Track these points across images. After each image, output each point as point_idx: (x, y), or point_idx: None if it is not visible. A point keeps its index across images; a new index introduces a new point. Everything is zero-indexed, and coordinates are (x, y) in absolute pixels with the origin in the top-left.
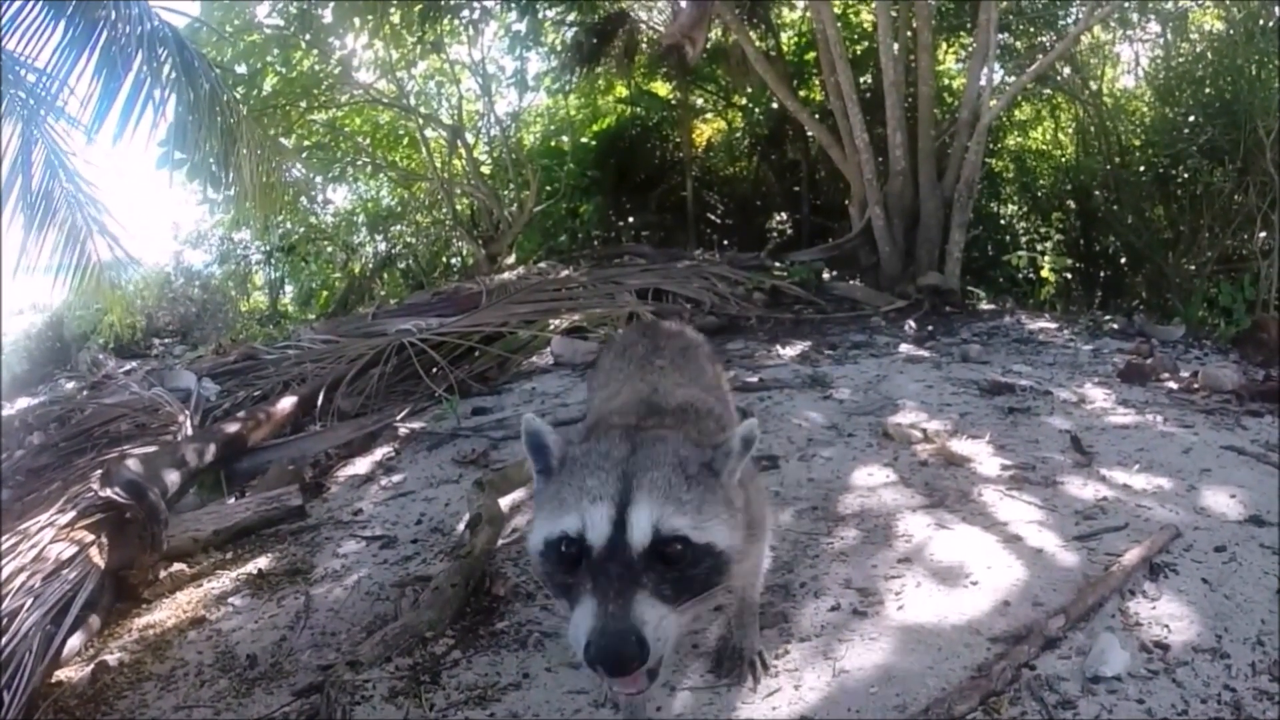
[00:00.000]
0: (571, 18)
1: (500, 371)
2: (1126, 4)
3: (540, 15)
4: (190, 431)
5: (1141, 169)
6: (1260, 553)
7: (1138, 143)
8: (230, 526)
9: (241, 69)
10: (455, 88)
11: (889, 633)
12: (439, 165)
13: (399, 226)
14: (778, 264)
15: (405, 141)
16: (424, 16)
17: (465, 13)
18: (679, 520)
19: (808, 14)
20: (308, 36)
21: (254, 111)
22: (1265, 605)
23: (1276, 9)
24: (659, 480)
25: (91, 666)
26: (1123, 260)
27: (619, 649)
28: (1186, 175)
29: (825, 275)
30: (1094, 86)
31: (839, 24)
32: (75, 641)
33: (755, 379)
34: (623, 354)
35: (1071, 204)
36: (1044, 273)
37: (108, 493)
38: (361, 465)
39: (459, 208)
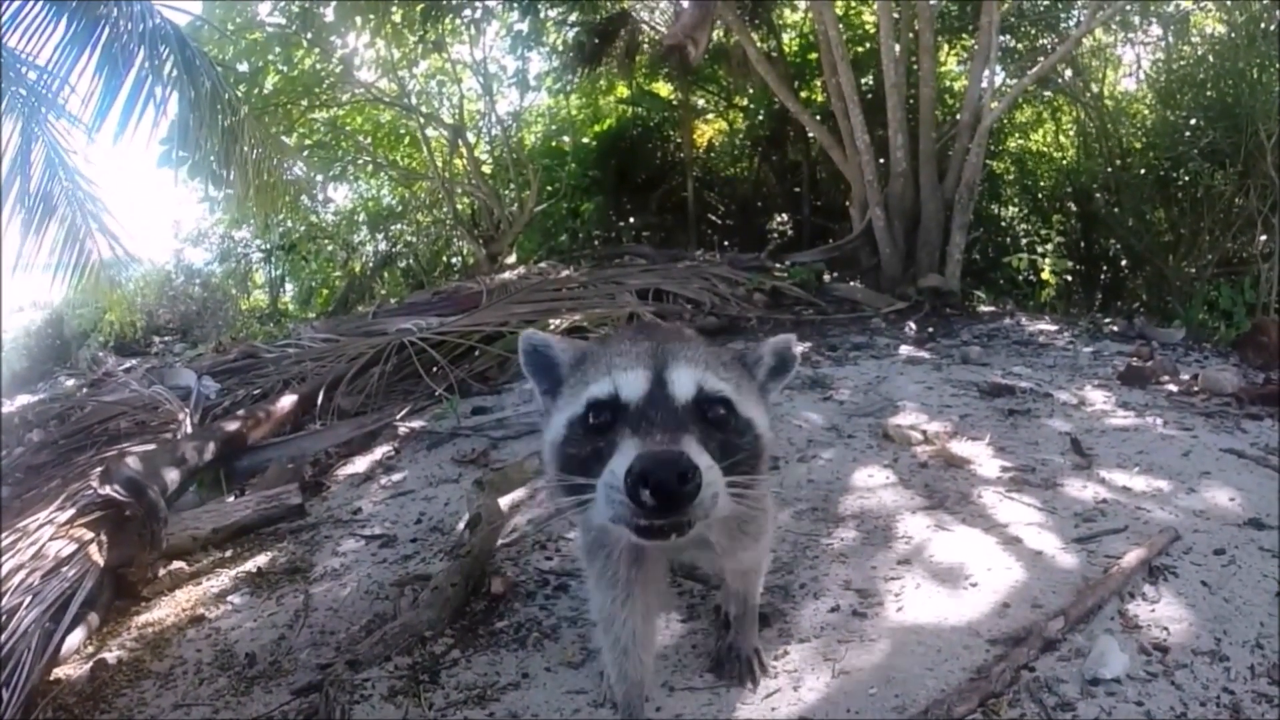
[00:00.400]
0: (573, 18)
1: (500, 371)
2: (1128, 7)
3: (542, 15)
4: (190, 429)
5: (1142, 171)
6: (1260, 556)
7: (1139, 145)
8: (230, 525)
9: (243, 67)
10: (456, 87)
11: (888, 634)
12: (440, 164)
13: (399, 225)
14: (778, 265)
15: (406, 140)
16: (425, 16)
17: (467, 12)
18: (721, 384)
19: (809, 15)
20: (309, 35)
21: (255, 110)
22: (1264, 608)
23: (1278, 12)
24: (695, 352)
25: (90, 664)
26: (1123, 263)
27: (672, 465)
28: (1187, 178)
29: (826, 276)
30: (1095, 89)
31: (841, 25)
32: (74, 639)
33: None
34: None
35: (1072, 206)
36: (1044, 275)
37: (107, 490)
38: (361, 464)
39: (460, 207)
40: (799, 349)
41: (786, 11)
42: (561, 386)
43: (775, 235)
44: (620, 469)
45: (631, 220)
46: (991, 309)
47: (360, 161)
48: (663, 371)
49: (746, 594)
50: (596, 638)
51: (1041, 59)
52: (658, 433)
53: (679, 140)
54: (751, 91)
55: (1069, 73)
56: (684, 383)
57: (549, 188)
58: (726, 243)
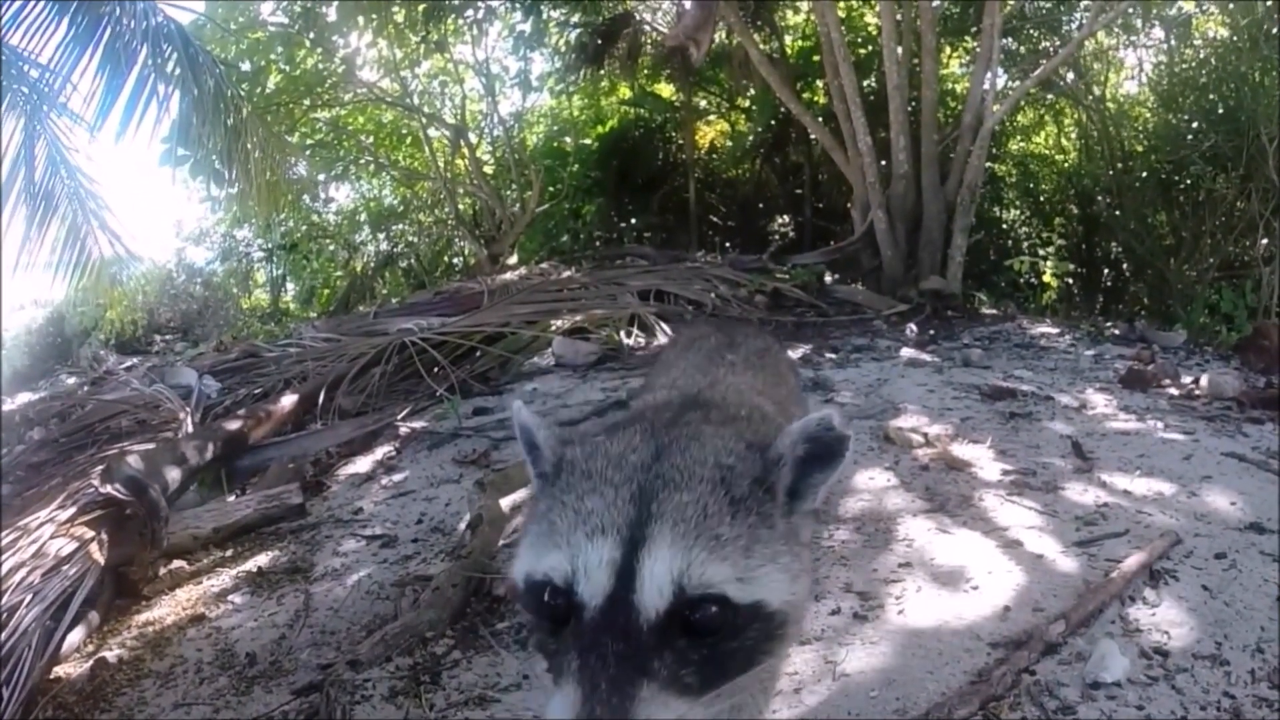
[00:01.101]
0: (576, 18)
1: (501, 371)
2: (1130, 10)
3: (545, 16)
4: (191, 429)
5: (1144, 175)
6: (1260, 560)
7: (1140, 149)
8: (230, 524)
9: (245, 66)
10: (459, 87)
11: (889, 637)
12: (442, 165)
13: (401, 225)
14: (780, 267)
15: (408, 140)
16: (428, 16)
17: (469, 12)
18: (715, 570)
19: (812, 17)
20: (312, 34)
21: (258, 109)
22: (1265, 612)
23: None
24: (689, 505)
25: (91, 663)
26: (1125, 266)
27: None
28: (1189, 182)
29: (827, 278)
30: (1097, 92)
31: (843, 27)
32: (75, 637)
33: None
34: (689, 347)
35: (1074, 209)
36: (1046, 278)
37: (108, 489)
38: (362, 464)
39: (461, 207)
40: (844, 425)
41: (789, 13)
42: (545, 483)
43: (777, 237)
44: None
45: (633, 221)
46: (993, 312)
47: (362, 161)
48: (636, 551)
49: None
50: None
51: (1044, 62)
52: (606, 683)
53: (681, 141)
54: (753, 93)
55: (1071, 76)
56: (658, 581)
57: (551, 188)
58: (728, 244)
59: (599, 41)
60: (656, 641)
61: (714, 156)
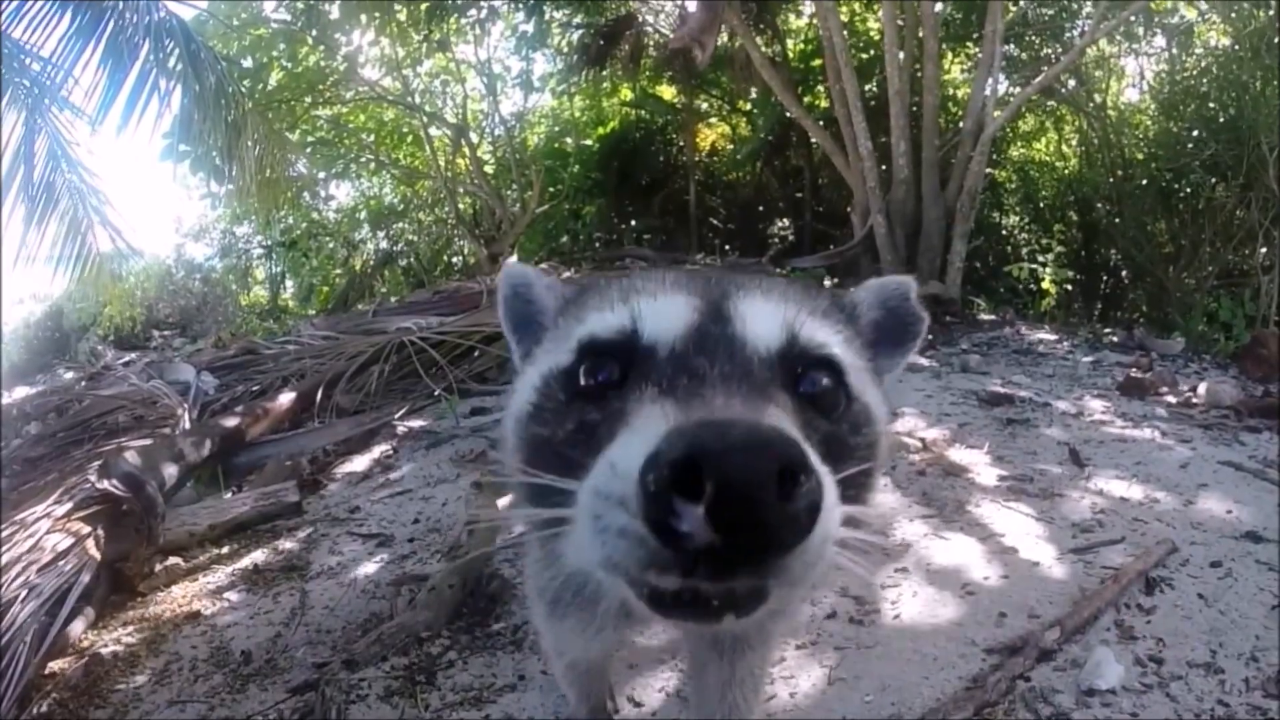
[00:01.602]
0: (579, 19)
1: (500, 372)
2: (1132, 18)
3: (547, 16)
4: (188, 425)
5: (1144, 182)
6: (1256, 568)
7: (1141, 156)
8: (227, 521)
9: (247, 62)
10: (460, 86)
11: (884, 642)
12: (442, 164)
13: (401, 224)
14: (779, 270)
15: (409, 139)
16: (430, 15)
17: (472, 12)
18: (824, 333)
19: (814, 21)
20: (314, 32)
21: (259, 105)
22: (1260, 621)
23: None
24: (775, 285)
25: (86, 658)
26: (1124, 273)
27: (750, 437)
28: (1189, 190)
29: (826, 282)
30: (1098, 99)
31: (845, 32)
32: (70, 633)
33: None
34: None
35: (1074, 216)
36: (1045, 284)
37: (105, 484)
38: (359, 463)
39: (461, 207)
40: (920, 301)
41: (791, 17)
42: (544, 338)
43: (776, 240)
44: (631, 456)
45: (633, 223)
46: (991, 318)
47: (363, 159)
48: (723, 302)
49: (734, 699)
50: (547, 657)
51: (1045, 68)
52: (714, 394)
53: (682, 144)
54: (755, 96)
55: (1072, 83)
56: (764, 321)
57: (551, 189)
58: (728, 247)
59: (601, 43)
60: (766, 378)
61: (715, 159)
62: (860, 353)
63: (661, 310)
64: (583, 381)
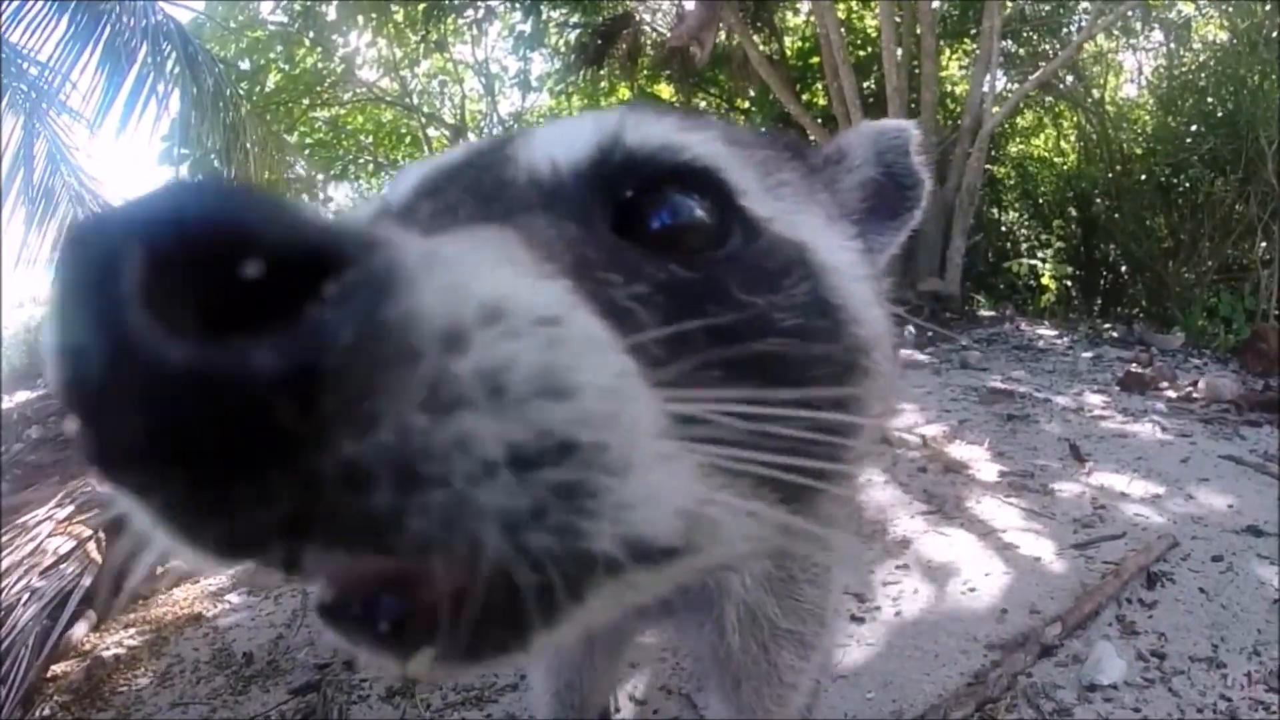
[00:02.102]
0: (576, 19)
1: None
2: (1130, 13)
3: (544, 16)
4: None
5: (1143, 178)
6: (1257, 562)
7: (1139, 151)
8: None
9: (245, 65)
10: (458, 87)
11: (886, 638)
12: None
13: None
14: None
15: (407, 140)
16: (428, 15)
17: (469, 12)
18: (681, 135)
19: (812, 19)
20: (311, 33)
21: (257, 108)
22: (1262, 615)
23: (1279, 18)
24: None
25: (88, 661)
26: (1123, 268)
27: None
28: (1188, 184)
29: None
30: (1096, 95)
31: (842, 29)
32: (72, 636)
33: None
34: None
35: (1073, 211)
36: (1044, 280)
37: (106, 487)
38: None
39: None
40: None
41: (788, 15)
42: None
43: None
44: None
45: None
46: (991, 314)
47: (361, 160)
48: (520, 137)
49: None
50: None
51: (1043, 64)
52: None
53: None
54: (753, 94)
55: (1070, 78)
56: (567, 135)
57: None
58: None
59: (599, 42)
60: (548, 205)
61: None
62: (838, 225)
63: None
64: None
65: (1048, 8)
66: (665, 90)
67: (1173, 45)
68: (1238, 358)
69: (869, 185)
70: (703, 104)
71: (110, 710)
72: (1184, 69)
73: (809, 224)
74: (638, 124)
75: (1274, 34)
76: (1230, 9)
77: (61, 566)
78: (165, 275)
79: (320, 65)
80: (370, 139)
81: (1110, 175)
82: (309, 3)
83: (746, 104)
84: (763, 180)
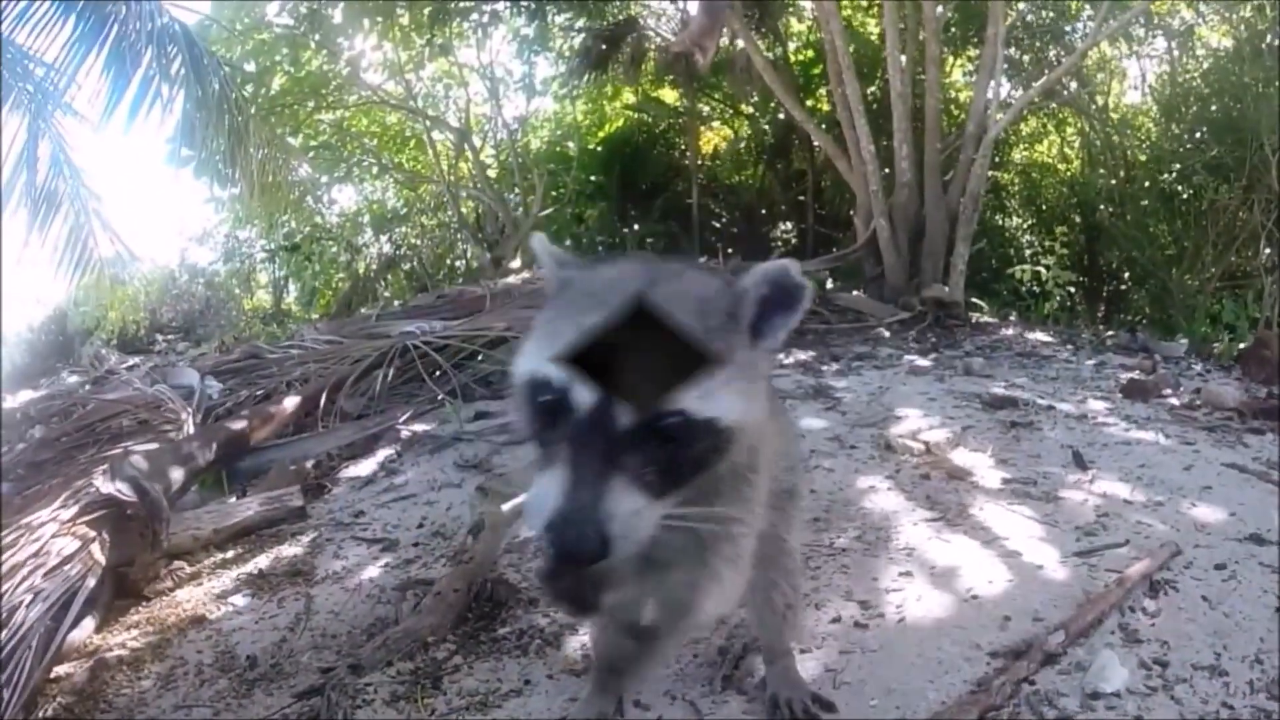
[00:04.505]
0: (580, 23)
1: (504, 376)
2: (1133, 20)
3: (549, 20)
4: (193, 429)
5: (1146, 185)
6: (1260, 571)
7: (1143, 158)
8: (231, 526)
9: (250, 67)
10: (463, 90)
11: (889, 645)
12: (445, 168)
13: (404, 228)
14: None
15: (412, 143)
16: (433, 19)
17: (474, 16)
18: (681, 394)
19: (816, 24)
20: (317, 36)
21: (262, 110)
22: (1265, 623)
23: None
24: (670, 342)
25: (91, 663)
26: (1126, 275)
27: (579, 543)
28: (1191, 191)
29: (829, 286)
30: (1100, 102)
31: (846, 35)
32: (76, 638)
33: None
34: None
35: (1076, 218)
36: (1048, 286)
37: (110, 488)
38: (364, 467)
39: (464, 210)
40: (801, 275)
41: (792, 20)
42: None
43: (779, 244)
44: (538, 514)
45: (635, 226)
46: (994, 320)
47: (365, 163)
48: (615, 381)
49: (773, 631)
50: None
51: (1047, 71)
52: (589, 471)
53: (684, 147)
54: (756, 99)
55: (1074, 85)
56: (636, 404)
57: (554, 193)
58: (730, 250)
59: (603, 46)
60: (629, 443)
61: (717, 162)
62: (735, 341)
63: (584, 388)
64: (543, 397)
65: (1051, 15)
66: (669, 95)
67: (1176, 52)
68: (1241, 365)
69: (765, 299)
70: (706, 109)
71: (113, 712)
72: (1187, 76)
73: (725, 396)
74: (666, 398)
75: (1277, 41)
76: (1234, 16)
77: (65, 568)
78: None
79: (325, 68)
80: (375, 142)
81: (1114, 182)
82: (315, 6)
83: (750, 109)
84: (705, 385)
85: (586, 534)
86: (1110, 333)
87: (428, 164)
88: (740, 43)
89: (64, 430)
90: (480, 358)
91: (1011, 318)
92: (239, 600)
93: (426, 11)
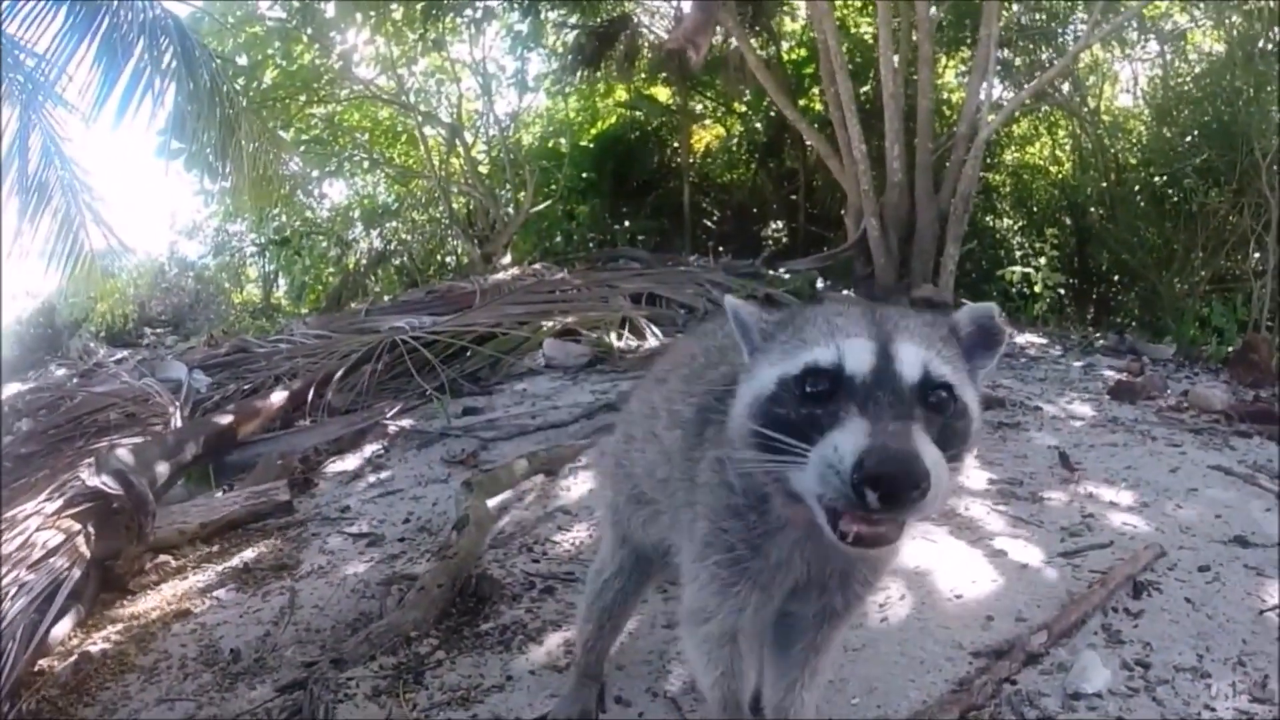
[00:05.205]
0: (574, 20)
1: (492, 372)
2: (1126, 23)
3: (542, 16)
4: (180, 423)
5: (1137, 187)
6: (1244, 573)
7: (1134, 161)
8: (217, 520)
9: (242, 60)
10: (455, 86)
11: (872, 644)
12: (437, 163)
13: (395, 223)
14: (772, 272)
15: (404, 138)
16: (426, 14)
17: (467, 11)
18: (944, 368)
19: (809, 24)
20: (309, 30)
21: (253, 103)
22: (1248, 625)
23: (1275, 31)
24: (917, 328)
25: (75, 656)
26: (1116, 277)
27: (905, 465)
28: (1182, 195)
29: (819, 284)
30: (1092, 104)
31: (840, 35)
32: (60, 631)
33: None
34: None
35: (1067, 220)
36: (1037, 288)
37: (96, 482)
38: (350, 462)
39: (455, 206)
40: (1003, 320)
41: (786, 20)
42: (759, 348)
43: (770, 242)
44: (846, 454)
45: (627, 224)
46: None
47: (357, 158)
48: (888, 345)
49: (817, 665)
50: (682, 635)
51: (1039, 73)
52: (888, 418)
53: (676, 145)
54: (749, 98)
55: (1066, 87)
56: (911, 362)
57: (545, 189)
58: (721, 248)
59: (596, 43)
60: (914, 400)
61: (709, 161)
62: (961, 362)
63: (855, 352)
64: (807, 388)
65: (1044, 17)
66: (662, 93)
67: (1168, 56)
68: (1229, 368)
69: (971, 336)
70: (699, 107)
71: (96, 706)
72: (1179, 80)
73: (963, 383)
74: (931, 361)
75: (1269, 46)
76: (1226, 21)
77: (50, 561)
78: (908, 484)
79: (318, 62)
80: (366, 136)
81: (1105, 185)
82: (307, 0)
83: (742, 108)
84: (954, 371)
85: (913, 460)
86: (1099, 334)
87: (419, 159)
88: (734, 41)
89: (51, 423)
90: (469, 353)
91: (1001, 318)
92: (224, 594)
93: (419, 6)
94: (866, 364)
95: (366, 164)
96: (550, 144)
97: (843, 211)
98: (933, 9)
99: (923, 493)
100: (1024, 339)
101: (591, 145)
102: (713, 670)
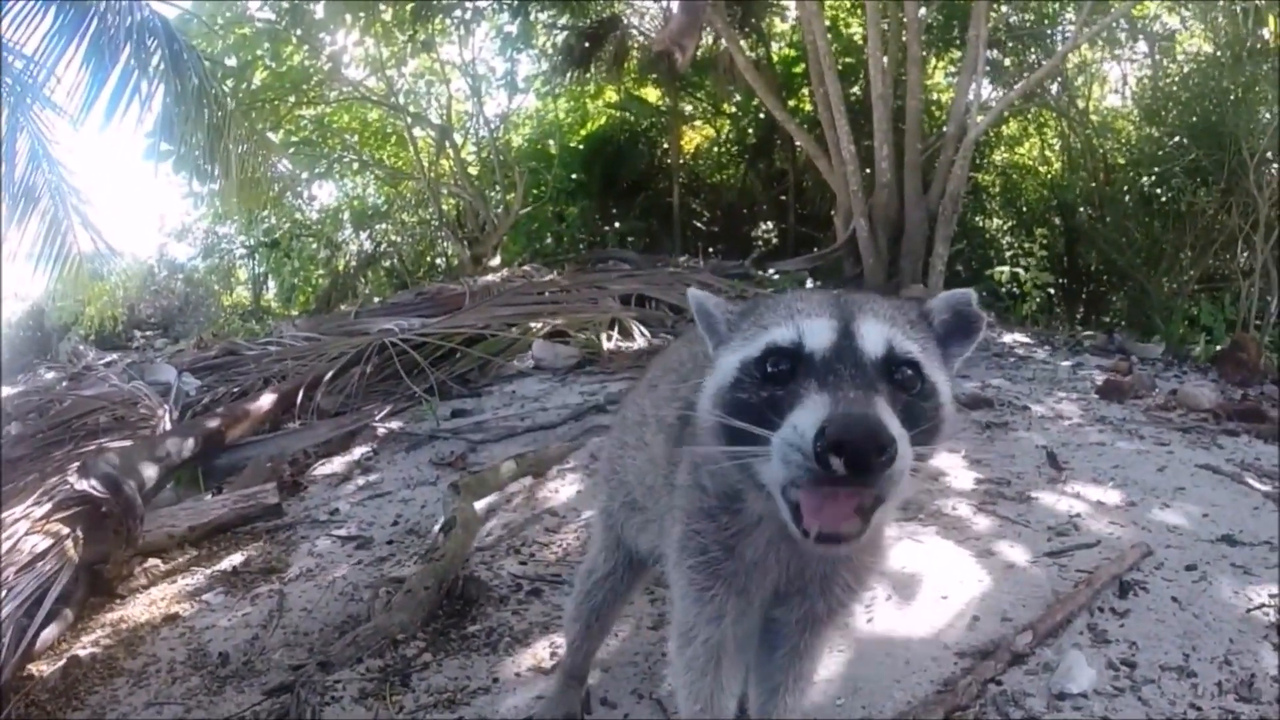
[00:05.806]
0: (563, 21)
1: (481, 374)
2: (1115, 24)
3: (532, 17)
4: (169, 426)
5: (1126, 187)
6: (1231, 572)
7: (1123, 161)
8: (206, 523)
9: (231, 62)
10: (445, 87)
11: (857, 644)
12: (426, 164)
13: (384, 225)
14: (762, 272)
15: (393, 140)
16: (415, 15)
17: (457, 12)
18: (909, 344)
19: (798, 24)
20: (298, 31)
21: (242, 105)
22: (1234, 624)
23: (1263, 32)
24: (881, 307)
25: (64, 660)
26: (1105, 277)
27: (868, 427)
28: (1170, 195)
29: (809, 285)
30: (1081, 105)
31: (829, 35)
32: (48, 635)
33: None
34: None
35: (1056, 220)
36: (1026, 288)
37: (84, 485)
38: (339, 464)
39: (445, 208)
40: (979, 306)
41: (775, 20)
42: (724, 339)
43: (760, 243)
44: (807, 428)
45: (616, 225)
46: None
47: (346, 159)
48: (850, 323)
49: (801, 670)
50: (670, 652)
51: (1028, 74)
52: (849, 390)
53: (666, 146)
54: (739, 99)
55: (1055, 88)
56: (873, 338)
57: (535, 191)
58: (711, 249)
59: (586, 44)
60: (877, 375)
61: (698, 161)
62: (933, 345)
63: (815, 330)
64: (769, 369)
65: (1033, 18)
66: (651, 94)
67: (1157, 57)
68: (1217, 367)
69: (946, 324)
70: (689, 108)
71: (85, 709)
72: (1168, 80)
73: (931, 363)
74: (895, 337)
75: (1257, 46)
76: (1214, 22)
77: (38, 565)
78: (873, 449)
79: (307, 63)
80: (356, 138)
81: (1093, 185)
82: (296, 1)
83: (732, 108)
84: (925, 352)
85: (875, 424)
86: (1088, 334)
87: (408, 161)
88: (723, 42)
89: (40, 427)
90: (458, 355)
91: (990, 318)
92: (212, 597)
93: (409, 7)
94: (826, 340)
95: (356, 166)
96: (540, 145)
97: (832, 212)
98: (922, 10)
99: (890, 459)
100: (1013, 339)
101: (581, 146)
102: (692, 703)
